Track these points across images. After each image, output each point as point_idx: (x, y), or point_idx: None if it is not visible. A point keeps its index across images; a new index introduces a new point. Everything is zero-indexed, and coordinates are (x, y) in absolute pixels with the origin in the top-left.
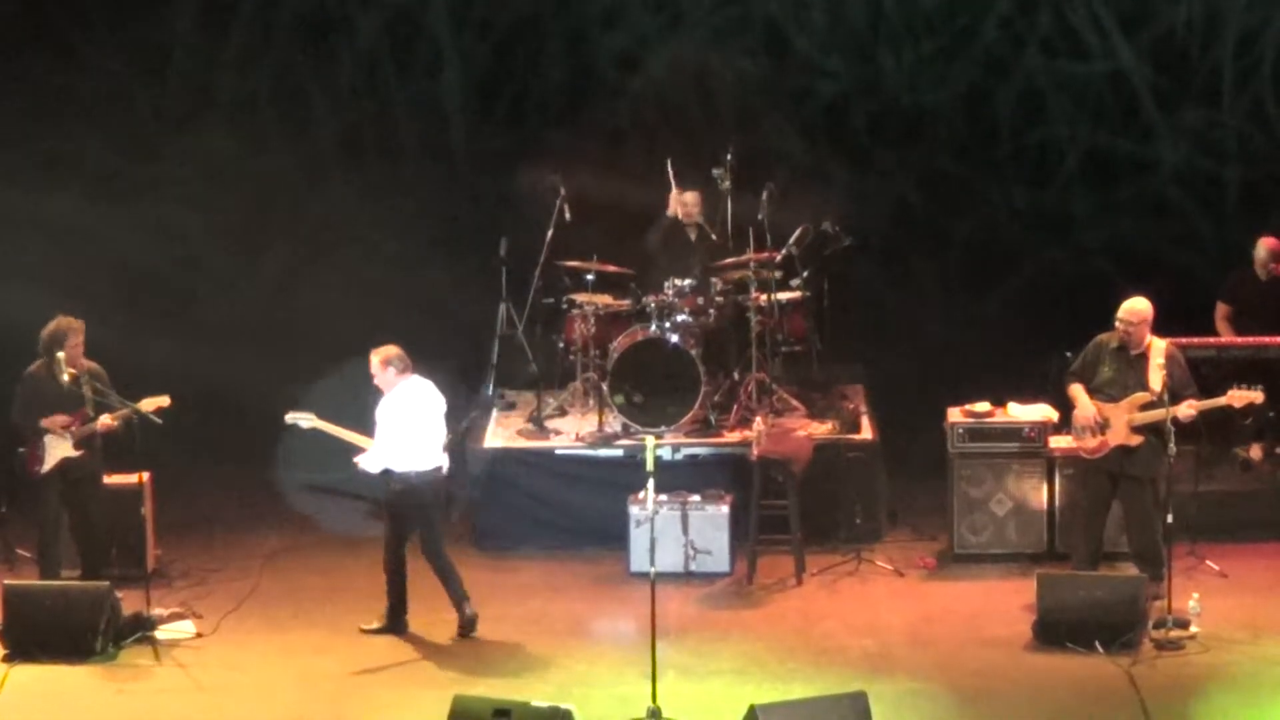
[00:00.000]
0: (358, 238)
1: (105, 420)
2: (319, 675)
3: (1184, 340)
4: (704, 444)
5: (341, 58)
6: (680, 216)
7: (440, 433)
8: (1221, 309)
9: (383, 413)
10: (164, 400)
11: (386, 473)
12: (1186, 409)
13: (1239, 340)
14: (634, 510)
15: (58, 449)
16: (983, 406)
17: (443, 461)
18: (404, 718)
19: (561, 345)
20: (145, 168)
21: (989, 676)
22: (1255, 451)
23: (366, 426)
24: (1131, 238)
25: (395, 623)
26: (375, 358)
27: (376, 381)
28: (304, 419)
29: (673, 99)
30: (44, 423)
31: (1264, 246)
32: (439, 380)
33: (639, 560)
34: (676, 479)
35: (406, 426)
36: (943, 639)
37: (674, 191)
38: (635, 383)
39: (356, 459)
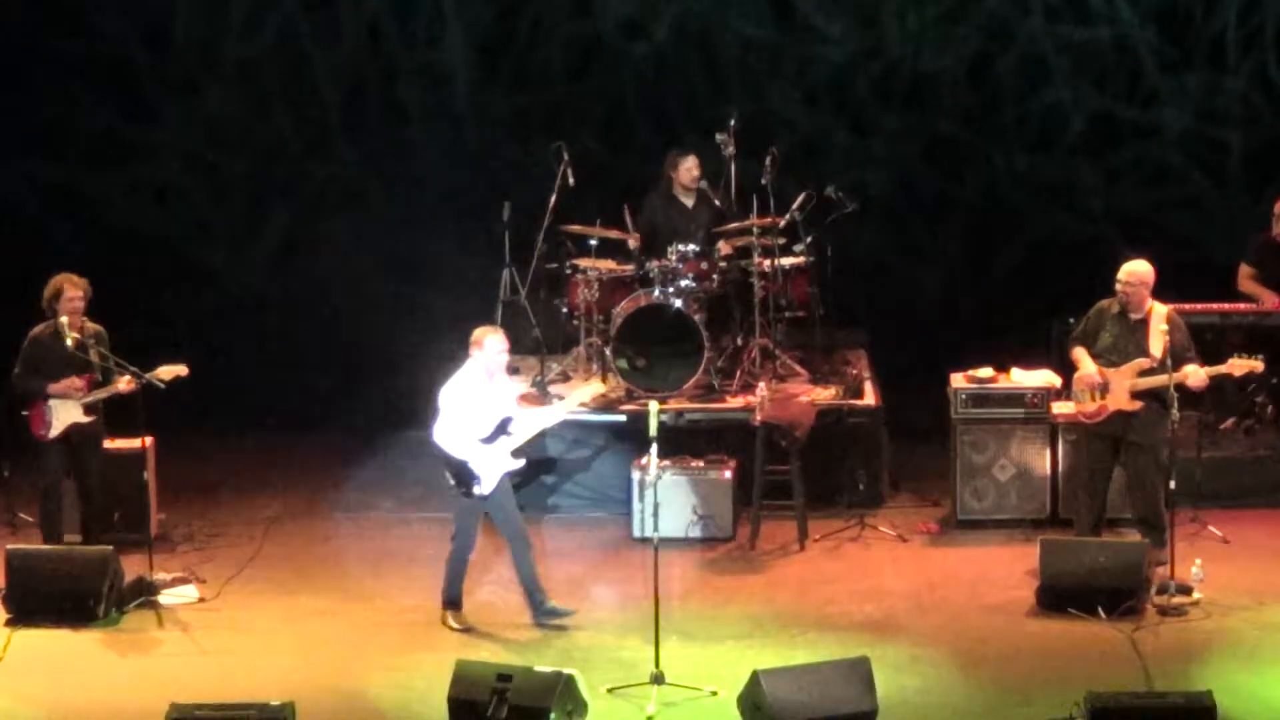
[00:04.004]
0: (360, 202)
1: (125, 384)
2: (321, 640)
3: (1186, 306)
4: (707, 409)
5: (344, 22)
6: (679, 185)
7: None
8: (1244, 270)
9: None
10: (182, 369)
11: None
12: (1197, 377)
13: (1242, 307)
14: (637, 475)
15: (66, 413)
16: (986, 372)
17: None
18: (406, 683)
19: (565, 310)
20: (148, 132)
21: (992, 642)
22: (1229, 423)
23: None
24: (1134, 203)
25: None
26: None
27: (502, 360)
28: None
29: (676, 64)
30: (53, 388)
31: None
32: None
33: (642, 525)
34: (679, 444)
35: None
36: (945, 604)
37: (674, 166)
38: (638, 347)
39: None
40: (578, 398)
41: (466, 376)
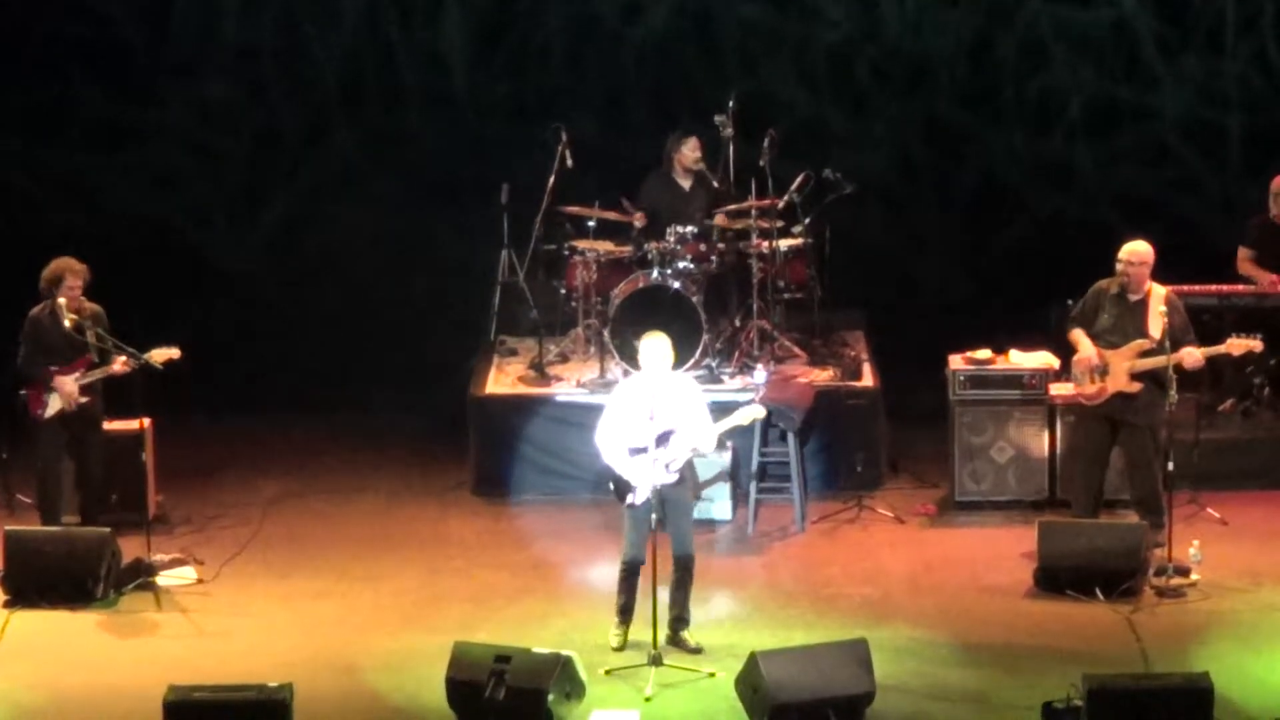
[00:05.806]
0: (359, 185)
1: (121, 365)
2: (319, 621)
3: (1185, 288)
4: (705, 391)
5: (342, 5)
6: (680, 167)
7: None
8: (1243, 252)
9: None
10: (174, 352)
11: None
12: (1192, 357)
13: (1240, 289)
14: None
15: (63, 395)
16: (984, 353)
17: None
18: (404, 664)
19: (563, 292)
20: (146, 116)
21: (990, 624)
22: (1227, 405)
23: None
24: (1133, 185)
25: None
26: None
27: (657, 369)
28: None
29: (674, 45)
30: (56, 383)
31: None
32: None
33: None
34: None
35: None
36: (943, 586)
37: (676, 148)
38: (637, 329)
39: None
40: (736, 420)
41: (628, 383)
